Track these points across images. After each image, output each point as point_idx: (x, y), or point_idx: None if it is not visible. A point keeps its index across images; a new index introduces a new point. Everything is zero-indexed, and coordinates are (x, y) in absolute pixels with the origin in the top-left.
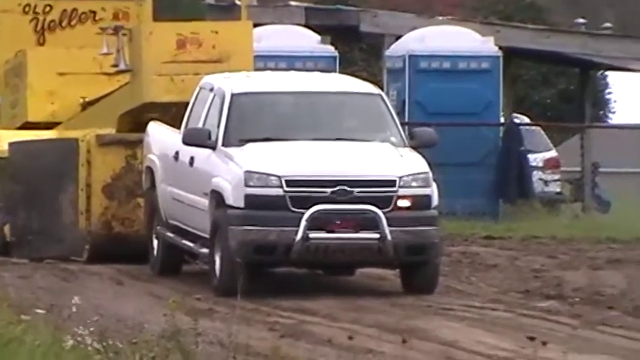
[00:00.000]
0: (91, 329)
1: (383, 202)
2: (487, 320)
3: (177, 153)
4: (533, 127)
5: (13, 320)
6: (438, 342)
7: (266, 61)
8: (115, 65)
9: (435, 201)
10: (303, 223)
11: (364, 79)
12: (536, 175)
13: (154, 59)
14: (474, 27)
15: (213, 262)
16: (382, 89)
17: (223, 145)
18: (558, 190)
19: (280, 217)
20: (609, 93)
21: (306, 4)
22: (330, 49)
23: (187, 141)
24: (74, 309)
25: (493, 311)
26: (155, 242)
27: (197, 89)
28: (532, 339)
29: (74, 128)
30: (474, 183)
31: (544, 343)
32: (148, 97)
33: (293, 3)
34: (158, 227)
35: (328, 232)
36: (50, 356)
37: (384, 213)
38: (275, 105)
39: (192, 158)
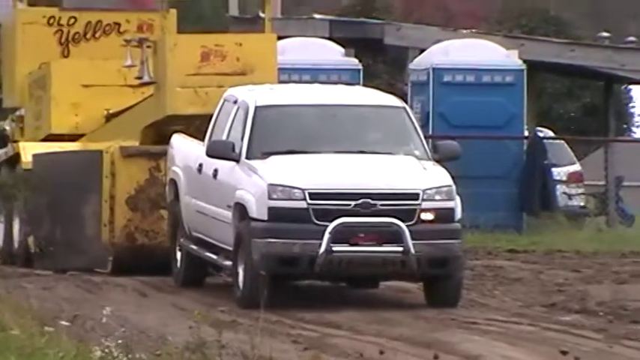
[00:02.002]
0: (119, 342)
1: (406, 215)
2: (511, 334)
3: (200, 165)
4: (557, 141)
5: (37, 331)
6: (462, 355)
7: (290, 74)
8: (139, 77)
9: (459, 214)
10: (326, 235)
11: (388, 92)
12: (560, 188)
13: (178, 71)
14: (498, 40)
15: (237, 274)
16: (406, 102)
17: (247, 157)
18: (582, 203)
19: (304, 229)
20: (633, 106)
21: (330, 17)
22: (354, 62)
23: (211, 153)
24: (104, 319)
25: (517, 325)
26: (178, 254)
27: (221, 102)
28: (565, 353)
29: (98, 140)
30: (497, 196)
31: (577, 359)
32: (172, 109)
33: (317, 16)
34: (181, 239)
35: (352, 244)
36: None
37: (407, 226)
38: (299, 118)
39: (215, 171)
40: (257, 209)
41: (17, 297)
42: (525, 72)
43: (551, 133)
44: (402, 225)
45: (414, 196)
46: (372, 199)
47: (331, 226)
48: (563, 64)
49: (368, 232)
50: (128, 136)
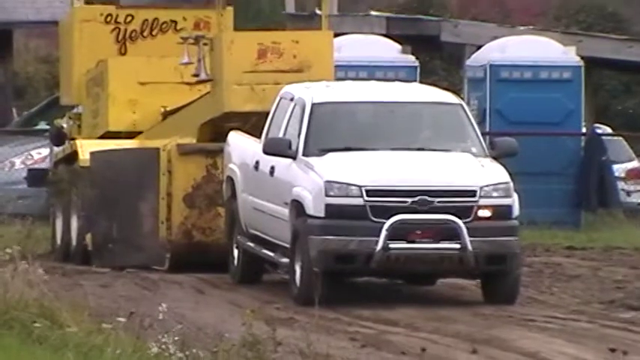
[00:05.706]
0: (176, 338)
1: (463, 212)
2: (569, 331)
3: (257, 162)
4: (615, 137)
5: (94, 328)
6: (519, 352)
7: (347, 71)
8: (196, 75)
9: (516, 211)
10: (383, 232)
11: (445, 89)
12: (618, 185)
13: (235, 69)
14: (556, 37)
15: (294, 271)
16: (463, 99)
17: (304, 154)
18: None
19: (360, 226)
20: None
21: (387, 14)
22: (410, 59)
23: (268, 150)
24: (161, 316)
25: (575, 322)
26: (235, 251)
27: (277, 99)
28: (613, 350)
29: (155, 137)
30: (555, 192)
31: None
32: (229, 106)
33: (374, 13)
34: (238, 236)
35: (409, 242)
36: None
37: (464, 223)
38: (355, 115)
39: (272, 168)
40: (314, 206)
41: (75, 294)
42: (583, 68)
43: (608, 130)
44: (460, 222)
45: (472, 193)
46: (429, 196)
47: (388, 223)
48: (621, 61)
49: (425, 229)
50: (185, 134)
